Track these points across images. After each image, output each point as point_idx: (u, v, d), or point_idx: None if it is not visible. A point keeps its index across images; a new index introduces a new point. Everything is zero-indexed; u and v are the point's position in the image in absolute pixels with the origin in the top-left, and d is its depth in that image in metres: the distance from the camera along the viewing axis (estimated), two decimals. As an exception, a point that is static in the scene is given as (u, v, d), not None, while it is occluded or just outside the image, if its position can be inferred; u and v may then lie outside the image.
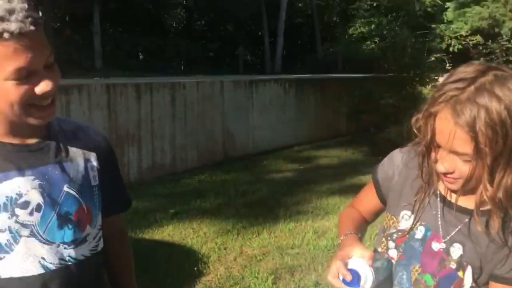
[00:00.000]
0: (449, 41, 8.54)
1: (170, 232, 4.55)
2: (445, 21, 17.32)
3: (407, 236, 1.18)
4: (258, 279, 3.56)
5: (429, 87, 9.03)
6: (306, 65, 26.89)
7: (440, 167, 1.06)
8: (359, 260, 1.08)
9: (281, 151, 8.78)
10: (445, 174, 1.07)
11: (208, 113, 7.50)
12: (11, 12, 0.92)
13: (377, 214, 1.37)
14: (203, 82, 7.45)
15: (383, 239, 1.24)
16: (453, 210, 1.13)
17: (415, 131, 1.10)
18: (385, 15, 9.02)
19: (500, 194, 1.02)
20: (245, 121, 8.30)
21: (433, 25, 8.56)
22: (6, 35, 0.91)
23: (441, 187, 1.17)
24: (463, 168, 1.03)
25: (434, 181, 1.16)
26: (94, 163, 1.18)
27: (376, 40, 9.00)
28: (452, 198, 1.13)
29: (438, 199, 1.17)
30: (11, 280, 1.04)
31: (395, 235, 1.20)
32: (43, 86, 0.98)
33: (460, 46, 8.66)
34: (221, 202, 5.60)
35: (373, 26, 8.43)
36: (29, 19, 0.94)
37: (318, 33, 27.30)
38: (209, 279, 3.60)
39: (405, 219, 1.20)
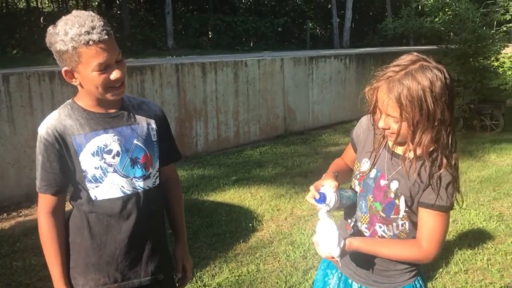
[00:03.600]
0: (514, 11, 8.36)
1: (231, 196, 5.14)
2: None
3: (365, 176, 1.63)
4: (304, 235, 4.06)
5: (493, 59, 8.88)
6: (376, 38, 26.49)
7: (380, 124, 1.53)
8: (328, 187, 1.55)
9: (340, 125, 9.11)
10: (384, 129, 1.53)
11: (269, 89, 7.99)
12: (93, 27, 1.49)
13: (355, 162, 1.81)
14: (264, 60, 7.91)
15: (353, 179, 1.71)
16: (394, 157, 1.58)
17: (367, 98, 1.54)
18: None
19: (419, 150, 1.48)
20: (305, 96, 8.70)
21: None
22: (91, 42, 1.48)
23: (390, 142, 1.60)
24: (394, 126, 1.49)
25: (386, 138, 1.60)
26: (154, 126, 1.74)
27: (438, 14, 8.92)
28: (394, 149, 1.57)
29: (386, 150, 1.61)
30: (103, 201, 1.64)
31: (358, 175, 1.67)
32: (115, 74, 1.55)
33: (525, 17, 8.47)
34: (279, 171, 6.12)
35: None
36: (105, 31, 1.50)
37: (389, 4, 26.69)
38: (261, 234, 4.15)
39: (364, 164, 1.65)
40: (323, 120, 9.12)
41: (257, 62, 7.76)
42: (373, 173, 1.64)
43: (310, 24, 28.47)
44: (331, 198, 1.56)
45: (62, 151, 1.60)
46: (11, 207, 4.87)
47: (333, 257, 1.54)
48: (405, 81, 1.42)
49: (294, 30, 28.74)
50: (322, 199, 1.54)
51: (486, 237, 4.02)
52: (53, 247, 1.64)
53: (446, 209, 1.52)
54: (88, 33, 1.46)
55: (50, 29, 1.53)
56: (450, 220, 4.51)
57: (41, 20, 18.14)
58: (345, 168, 1.82)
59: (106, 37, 1.49)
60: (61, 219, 1.67)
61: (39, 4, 24.11)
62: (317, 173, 6.16)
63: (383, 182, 1.61)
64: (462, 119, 8.41)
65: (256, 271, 3.53)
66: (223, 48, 21.29)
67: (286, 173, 6.01)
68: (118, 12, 22.78)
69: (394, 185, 1.58)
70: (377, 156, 1.63)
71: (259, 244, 3.97)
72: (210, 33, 24.22)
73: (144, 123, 1.72)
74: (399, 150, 1.58)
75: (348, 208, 1.70)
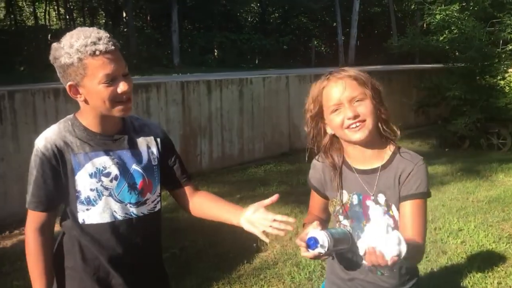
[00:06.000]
0: (520, 30, 8.33)
1: (235, 215, 5.06)
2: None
3: (348, 206, 1.59)
4: (309, 256, 3.97)
5: (499, 78, 8.83)
6: (381, 56, 26.54)
7: (349, 114, 1.49)
8: (313, 230, 1.42)
9: (346, 143, 9.04)
10: (354, 121, 1.49)
11: (274, 107, 7.97)
12: (100, 38, 1.46)
13: (326, 209, 1.73)
14: (269, 77, 7.91)
15: (335, 218, 1.66)
16: (366, 175, 1.57)
17: (310, 111, 1.61)
18: (454, 6, 8.86)
19: (381, 126, 1.53)
20: (311, 114, 8.66)
21: (500, 15, 8.36)
22: (97, 52, 1.44)
23: (350, 160, 1.60)
24: (362, 109, 1.49)
25: (340, 160, 1.61)
26: (154, 149, 1.68)
27: (444, 32, 8.89)
28: (360, 166, 1.58)
29: (351, 171, 1.59)
30: (91, 225, 1.57)
31: (341, 210, 1.62)
32: (122, 87, 1.50)
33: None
34: (283, 189, 6.04)
35: (439, 17, 8.38)
36: (111, 42, 1.48)
37: (394, 22, 26.80)
38: (266, 255, 4.08)
39: (343, 196, 1.62)
40: (328, 138, 9.07)
41: (262, 79, 7.76)
42: (355, 200, 1.59)
43: (315, 42, 28.64)
44: (323, 238, 1.40)
45: (59, 168, 1.53)
46: (13, 225, 4.82)
47: (398, 256, 1.28)
48: (346, 73, 1.54)
49: (299, 48, 28.90)
50: (314, 243, 1.39)
51: (496, 260, 3.93)
52: (39, 267, 1.57)
53: (425, 196, 1.52)
54: (94, 43, 1.43)
55: (55, 44, 1.50)
56: (459, 241, 4.41)
57: (48, 37, 18.34)
58: (319, 221, 1.74)
59: (113, 47, 1.46)
60: (50, 238, 1.61)
61: (46, 22, 24.40)
62: (323, 191, 6.07)
63: (369, 202, 1.57)
64: (468, 138, 8.34)
65: (260, 293, 3.45)
66: (228, 65, 21.39)
67: (291, 192, 5.93)
68: (125, 29, 23.03)
69: (382, 198, 1.55)
70: (343, 181, 1.61)
71: (263, 265, 3.89)
72: (215, 50, 24.39)
73: (145, 148, 1.66)
74: (362, 166, 1.58)
75: (346, 244, 1.52)
